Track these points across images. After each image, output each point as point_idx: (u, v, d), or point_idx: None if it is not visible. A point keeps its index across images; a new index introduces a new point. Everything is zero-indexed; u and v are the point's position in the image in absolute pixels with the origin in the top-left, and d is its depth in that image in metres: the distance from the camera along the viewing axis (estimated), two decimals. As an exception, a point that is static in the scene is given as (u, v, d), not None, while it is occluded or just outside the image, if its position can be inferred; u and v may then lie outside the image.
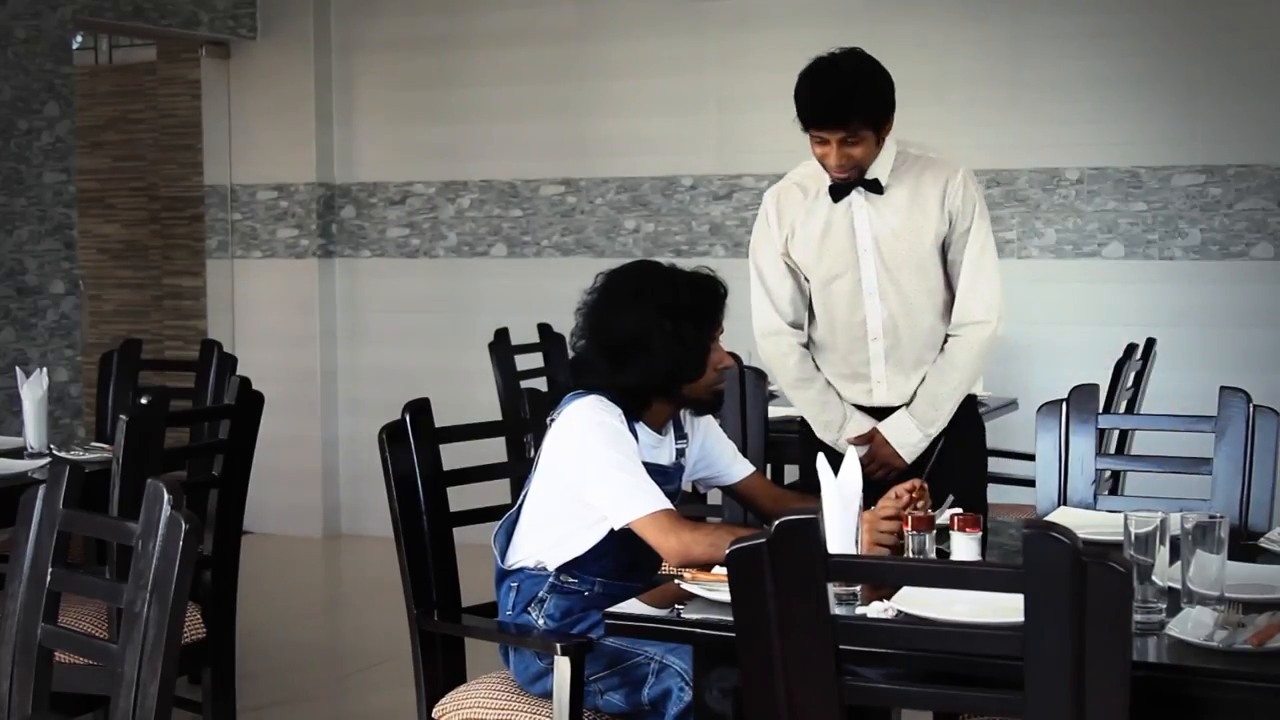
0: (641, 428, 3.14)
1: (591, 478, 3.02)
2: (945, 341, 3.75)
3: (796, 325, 3.86)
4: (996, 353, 3.81)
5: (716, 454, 3.36)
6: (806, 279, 3.83)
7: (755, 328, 3.90)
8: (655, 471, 3.09)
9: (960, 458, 3.79)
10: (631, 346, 3.07)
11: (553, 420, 3.14)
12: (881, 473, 3.64)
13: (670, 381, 3.13)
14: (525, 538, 3.15)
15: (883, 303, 3.73)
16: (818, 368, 3.86)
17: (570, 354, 3.24)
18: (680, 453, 3.25)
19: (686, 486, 3.42)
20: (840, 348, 3.82)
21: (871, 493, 3.26)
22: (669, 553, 2.95)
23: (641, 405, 3.14)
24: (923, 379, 3.76)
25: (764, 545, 2.09)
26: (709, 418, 3.36)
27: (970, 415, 3.88)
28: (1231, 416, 3.44)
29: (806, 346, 3.87)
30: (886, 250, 3.71)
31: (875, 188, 3.69)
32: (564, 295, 7.31)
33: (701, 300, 3.15)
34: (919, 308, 3.73)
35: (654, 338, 3.07)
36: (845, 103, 3.56)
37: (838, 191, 3.72)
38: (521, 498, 3.18)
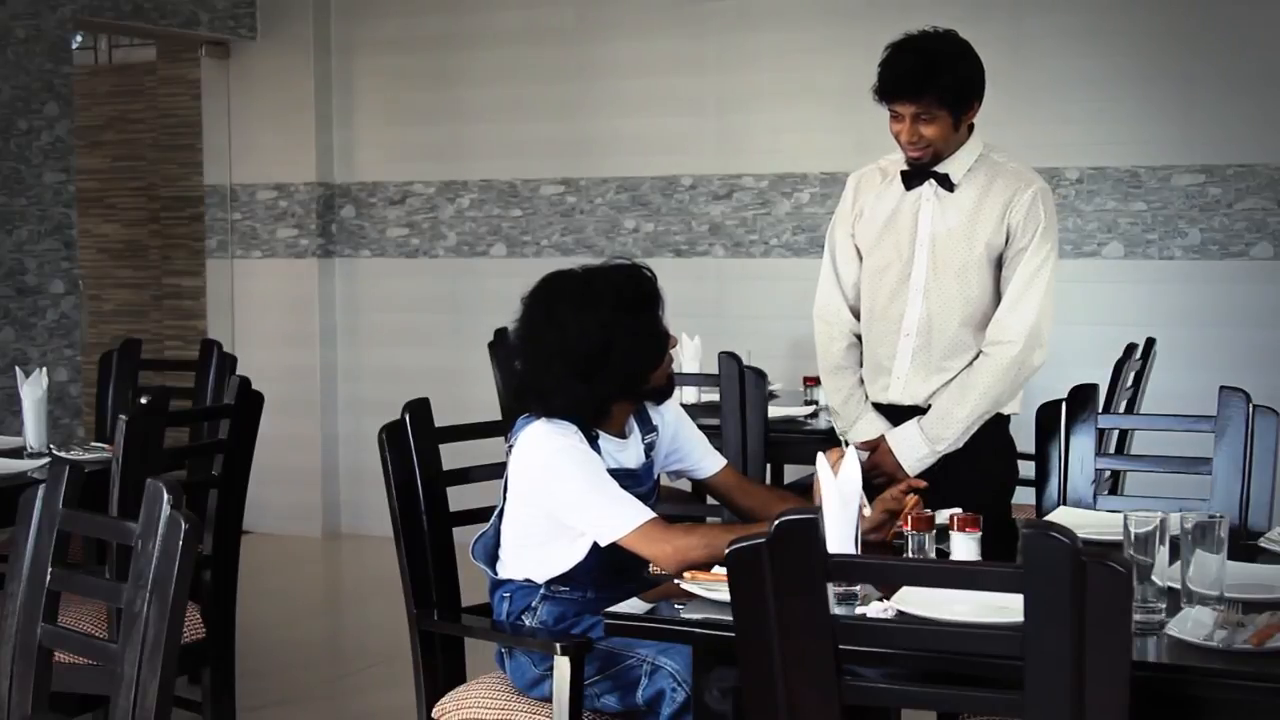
0: (603, 436, 3.10)
1: (568, 505, 2.99)
2: (976, 357, 3.64)
3: (856, 312, 3.78)
4: (1026, 380, 3.68)
5: (689, 447, 3.32)
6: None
7: (815, 306, 3.83)
8: (624, 477, 3.06)
9: (981, 483, 3.57)
10: (601, 352, 3.01)
11: (510, 445, 3.10)
12: (882, 480, 3.56)
13: (644, 375, 3.10)
14: (509, 556, 3.13)
15: (924, 301, 3.63)
16: (860, 363, 3.80)
17: (518, 385, 3.13)
18: (650, 448, 3.22)
19: (665, 480, 3.39)
20: (871, 340, 3.74)
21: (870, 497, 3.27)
22: (666, 561, 2.93)
23: (604, 413, 3.09)
24: (939, 388, 3.65)
25: (763, 545, 2.09)
26: (679, 409, 3.34)
27: (997, 440, 3.72)
28: (1231, 416, 3.44)
29: (859, 337, 3.78)
30: (940, 249, 3.62)
31: (947, 184, 3.61)
32: (564, 295, 7.23)
33: (644, 286, 3.11)
34: (953, 312, 3.62)
35: (619, 336, 3.02)
36: (921, 77, 3.49)
37: (910, 179, 3.64)
38: (495, 519, 3.16)
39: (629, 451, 3.16)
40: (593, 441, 3.06)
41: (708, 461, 3.35)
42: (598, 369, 3.02)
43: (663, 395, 3.21)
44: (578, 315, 3.03)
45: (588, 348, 3.01)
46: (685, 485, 4.33)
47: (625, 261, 3.15)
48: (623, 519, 2.95)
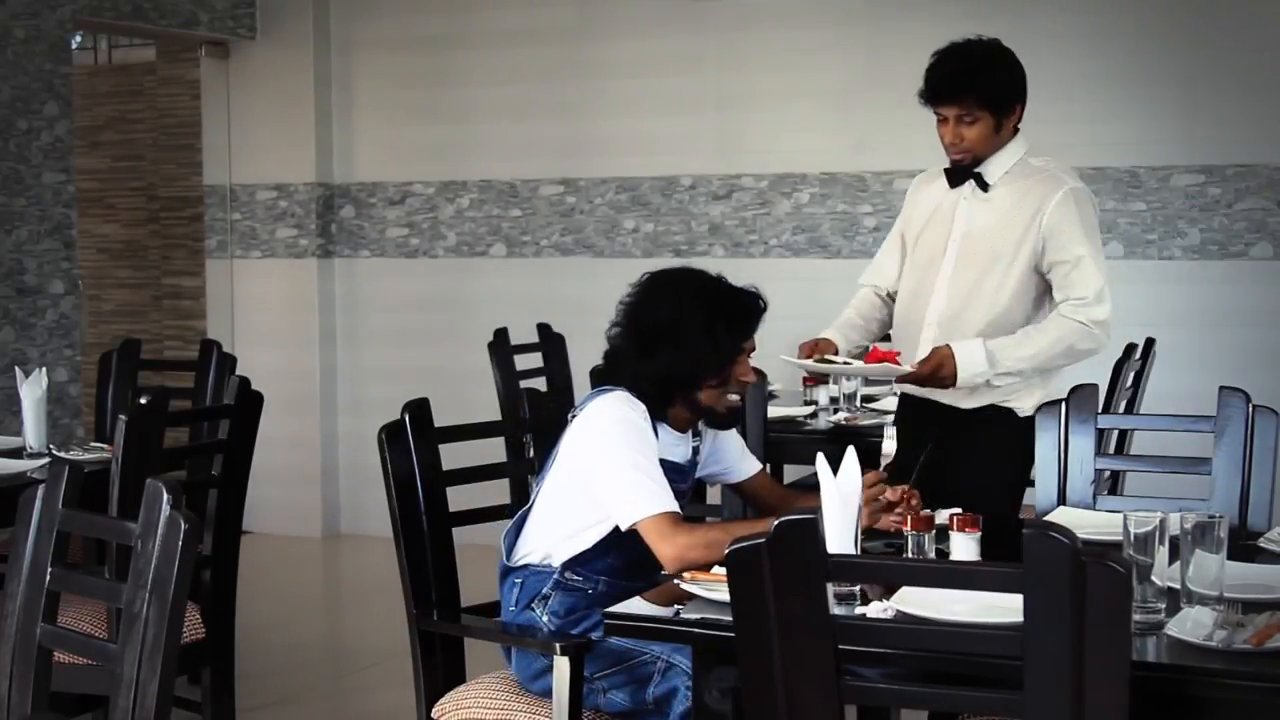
0: (663, 426, 3.15)
1: (603, 473, 3.02)
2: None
3: (879, 287, 4.02)
4: (1089, 350, 3.76)
5: (726, 449, 3.36)
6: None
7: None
8: (671, 469, 3.10)
9: (991, 484, 3.67)
10: (663, 333, 3.08)
11: (574, 416, 3.14)
12: (935, 376, 3.66)
13: (693, 377, 3.12)
14: (535, 531, 3.15)
15: (948, 295, 3.78)
16: (879, 325, 4.00)
17: (609, 349, 3.23)
18: (696, 450, 3.27)
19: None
20: (902, 334, 3.90)
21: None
22: (665, 559, 2.94)
23: (664, 405, 3.14)
24: None
25: (763, 545, 2.09)
26: None
27: (1011, 441, 3.78)
28: (1231, 416, 3.44)
29: (888, 301, 4.00)
30: (971, 245, 3.77)
31: (982, 185, 3.77)
32: (563, 295, 7.33)
33: (738, 304, 3.16)
34: (976, 309, 3.76)
35: (686, 329, 3.08)
36: (964, 79, 3.68)
37: (952, 178, 3.81)
38: (535, 494, 3.19)
39: (680, 448, 3.21)
40: (654, 424, 3.10)
41: (744, 465, 3.40)
42: (655, 349, 3.08)
43: (720, 423, 3.26)
44: (659, 294, 3.13)
45: (652, 325, 3.10)
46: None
47: (751, 288, 3.21)
48: (644, 503, 2.96)
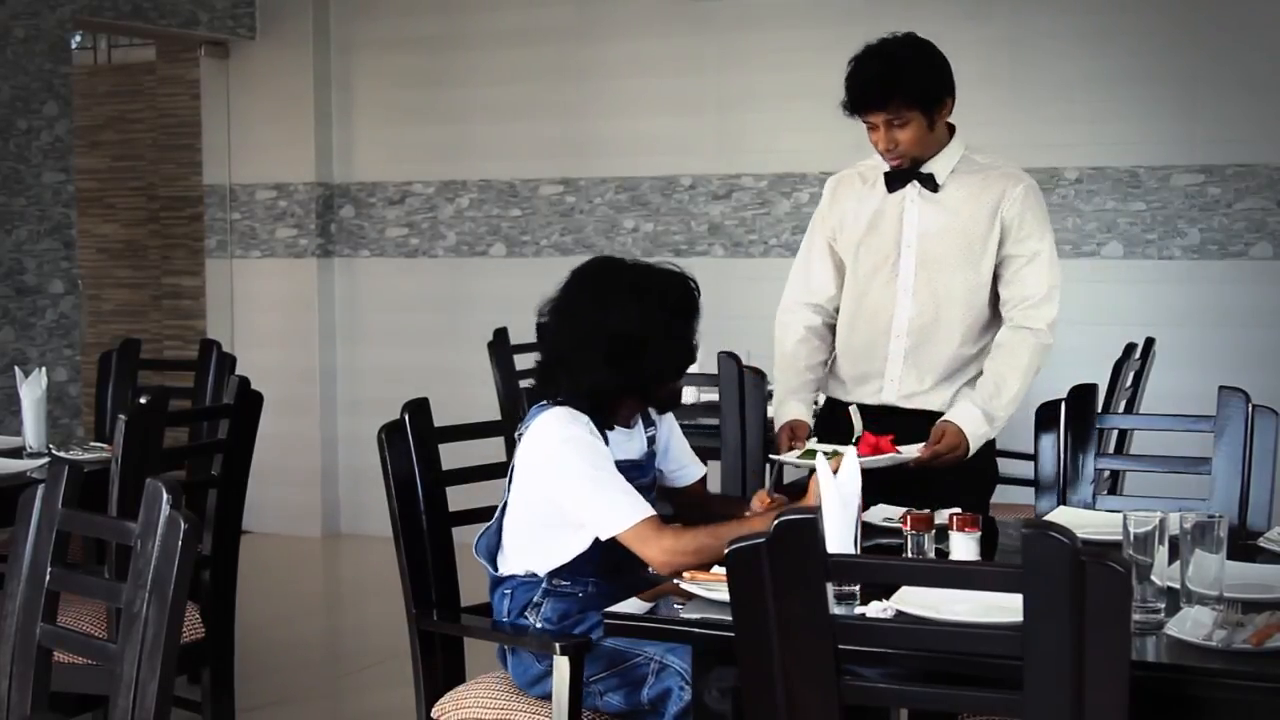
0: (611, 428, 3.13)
1: (570, 494, 3.01)
2: (982, 349, 3.64)
3: (818, 306, 3.79)
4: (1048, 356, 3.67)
5: (676, 452, 3.35)
6: (843, 270, 3.77)
7: (782, 303, 3.85)
8: (630, 467, 3.09)
9: (967, 481, 3.55)
10: (636, 345, 3.05)
11: (521, 434, 3.12)
12: (950, 456, 3.48)
13: (662, 379, 3.13)
14: (511, 549, 3.14)
15: (914, 300, 3.63)
16: (827, 368, 3.80)
17: (545, 359, 3.16)
18: (651, 439, 3.26)
19: None
20: (856, 347, 3.72)
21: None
22: (655, 564, 2.95)
23: (616, 407, 3.12)
24: (932, 386, 3.63)
25: (763, 545, 2.09)
26: (670, 415, 3.36)
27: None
28: (1231, 416, 3.44)
29: (826, 333, 3.79)
30: (930, 248, 3.61)
31: (931, 184, 3.61)
32: (563, 295, 7.23)
33: (691, 296, 3.15)
34: (946, 310, 3.62)
35: (657, 335, 3.06)
36: (886, 84, 3.50)
37: (893, 182, 3.65)
38: (499, 511, 3.17)
39: (633, 443, 3.19)
40: (603, 432, 3.07)
41: (691, 470, 3.39)
42: (627, 359, 3.05)
43: (667, 406, 3.27)
44: (624, 303, 3.06)
45: (625, 336, 3.04)
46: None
47: (675, 267, 3.17)
48: (621, 514, 2.96)
